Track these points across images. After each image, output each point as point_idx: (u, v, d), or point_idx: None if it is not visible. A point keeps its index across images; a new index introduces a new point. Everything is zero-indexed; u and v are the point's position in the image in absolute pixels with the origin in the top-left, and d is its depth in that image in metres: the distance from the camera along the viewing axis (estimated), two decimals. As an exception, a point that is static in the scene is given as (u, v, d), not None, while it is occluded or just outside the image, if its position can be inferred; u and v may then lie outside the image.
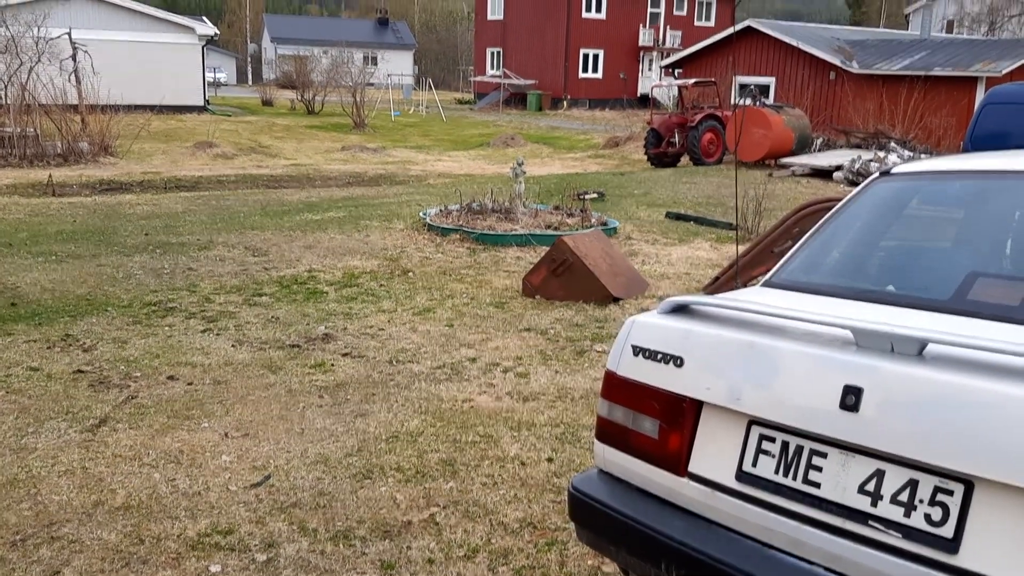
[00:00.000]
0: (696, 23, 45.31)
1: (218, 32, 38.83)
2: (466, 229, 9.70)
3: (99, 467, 4.00)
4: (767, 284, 2.82)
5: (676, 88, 22.93)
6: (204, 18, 38.01)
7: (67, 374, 5.26)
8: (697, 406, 2.32)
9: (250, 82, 71.03)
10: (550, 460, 4.13)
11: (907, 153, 16.76)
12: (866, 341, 2.08)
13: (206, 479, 3.90)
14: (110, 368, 5.38)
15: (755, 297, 2.64)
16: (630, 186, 14.73)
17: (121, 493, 3.75)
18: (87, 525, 3.48)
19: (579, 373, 5.40)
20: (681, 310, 2.51)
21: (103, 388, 5.04)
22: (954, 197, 3.02)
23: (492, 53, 47.66)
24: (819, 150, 19.68)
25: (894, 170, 3.07)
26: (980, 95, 18.80)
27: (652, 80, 40.02)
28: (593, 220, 10.31)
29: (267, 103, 41.50)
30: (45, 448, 4.20)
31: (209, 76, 40.19)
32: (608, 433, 2.54)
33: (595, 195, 12.95)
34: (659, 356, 2.39)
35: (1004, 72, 20.02)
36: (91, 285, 7.51)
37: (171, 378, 5.22)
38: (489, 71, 47.51)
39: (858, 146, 19.46)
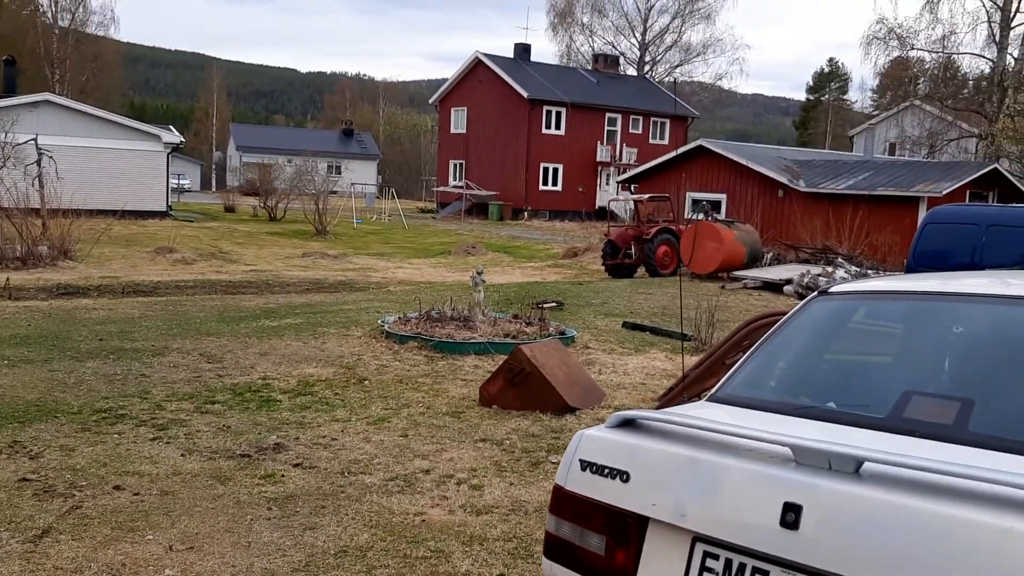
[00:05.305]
0: (651, 141, 47.06)
1: (183, 140, 39.34)
2: (424, 337, 9.72)
3: (36, 582, 3.86)
4: (712, 399, 2.90)
5: (632, 202, 23.60)
6: (171, 127, 38.56)
7: (12, 482, 5.12)
8: (643, 522, 2.34)
9: (214, 188, 71.55)
10: None
11: (854, 268, 17.30)
12: (805, 458, 2.13)
13: (147, 595, 3.78)
14: (56, 477, 5.25)
15: (700, 412, 2.71)
16: (588, 296, 14.95)
17: (57, 611, 3.62)
18: (19, 645, 3.34)
19: (534, 485, 5.37)
20: (629, 424, 2.56)
21: (47, 497, 4.90)
22: (889, 317, 3.15)
23: (455, 164, 48.78)
24: (770, 264, 20.23)
25: (831, 290, 3.21)
26: (922, 214, 19.63)
27: (609, 193, 41.20)
28: (551, 329, 10.40)
29: (230, 209, 41.75)
30: (-20, 562, 4.05)
31: (173, 182, 40.50)
32: (556, 550, 2.54)
33: (554, 304, 13.11)
34: (606, 471, 2.42)
35: (944, 192, 20.98)
36: (42, 391, 7.37)
37: (117, 488, 5.10)
38: (452, 182, 48.52)
39: (807, 261, 20.05)
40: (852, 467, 2.07)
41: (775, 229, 23.26)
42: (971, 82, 41.55)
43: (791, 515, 2.04)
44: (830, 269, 17.03)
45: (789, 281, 16.79)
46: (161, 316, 11.84)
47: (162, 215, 33.01)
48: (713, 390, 2.95)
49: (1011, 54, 36.19)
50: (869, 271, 17.21)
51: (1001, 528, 1.81)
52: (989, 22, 36.00)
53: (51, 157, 23.03)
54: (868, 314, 3.17)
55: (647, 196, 22.53)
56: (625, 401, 7.68)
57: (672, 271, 19.96)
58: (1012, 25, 35.68)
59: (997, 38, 35.84)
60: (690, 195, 25.83)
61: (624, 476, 2.38)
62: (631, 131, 47.08)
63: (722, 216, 22.89)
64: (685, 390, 6.89)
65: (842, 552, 1.96)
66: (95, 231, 20.62)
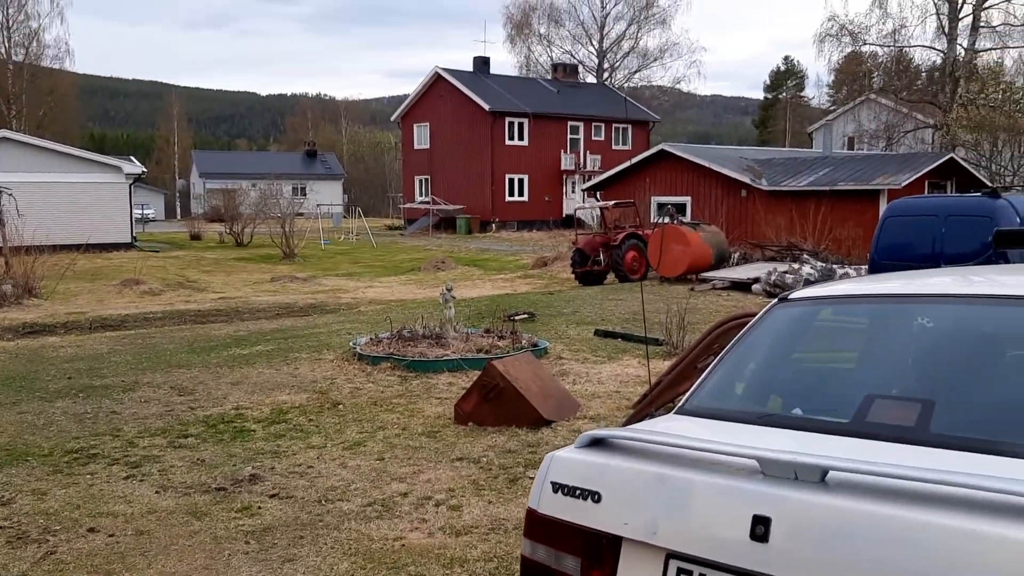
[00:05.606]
0: (614, 147, 47.35)
1: (145, 170, 38.98)
2: (397, 357, 9.69)
3: (11, 635, 3.80)
4: (680, 411, 2.91)
5: (598, 209, 23.72)
6: (132, 157, 38.22)
7: (-19, 533, 5.04)
8: (616, 542, 2.34)
9: (179, 217, 70.93)
10: (484, 597, 4.07)
11: (820, 264, 17.51)
12: (771, 470, 2.13)
13: (126, 641, 3.73)
14: (29, 522, 5.17)
15: (668, 427, 2.73)
16: (559, 305, 14.98)
17: (34, 663, 3.56)
18: None
19: (512, 502, 5.38)
20: (598, 443, 2.55)
21: (21, 544, 4.83)
22: (850, 321, 3.19)
23: (420, 180, 48.74)
24: (737, 264, 20.41)
25: (791, 296, 3.24)
26: (883, 206, 19.90)
27: (576, 201, 41.39)
28: (524, 341, 10.41)
29: (195, 237, 41.36)
30: (-47, 618, 3.98)
31: (137, 213, 40.07)
32: (532, 573, 2.54)
33: (525, 316, 13.14)
34: (577, 492, 2.42)
35: (904, 184, 21.30)
36: (11, 434, 7.26)
37: (91, 530, 5.03)
38: (418, 198, 48.47)
39: (773, 259, 20.27)
40: (818, 476, 2.08)
41: (740, 229, 23.48)
42: (924, 74, 42.38)
43: (760, 528, 2.04)
44: (796, 266, 17.23)
45: (757, 280, 16.96)
46: (130, 350, 11.70)
47: (127, 247, 32.64)
48: (681, 402, 2.97)
49: (961, 44, 36.95)
50: (835, 266, 17.42)
51: (965, 531, 1.83)
52: (938, 14, 36.75)
53: (11, 194, 22.75)
54: (829, 319, 3.21)
55: (612, 203, 22.66)
56: (600, 410, 7.71)
57: (642, 276, 20.06)
58: (960, 16, 36.43)
59: (946, 29, 36.58)
60: (655, 199, 26.02)
61: (595, 496, 2.38)
62: (594, 138, 47.37)
63: (687, 218, 23.08)
64: (658, 397, 6.93)
65: (812, 563, 1.97)
66: (59, 267, 20.37)
